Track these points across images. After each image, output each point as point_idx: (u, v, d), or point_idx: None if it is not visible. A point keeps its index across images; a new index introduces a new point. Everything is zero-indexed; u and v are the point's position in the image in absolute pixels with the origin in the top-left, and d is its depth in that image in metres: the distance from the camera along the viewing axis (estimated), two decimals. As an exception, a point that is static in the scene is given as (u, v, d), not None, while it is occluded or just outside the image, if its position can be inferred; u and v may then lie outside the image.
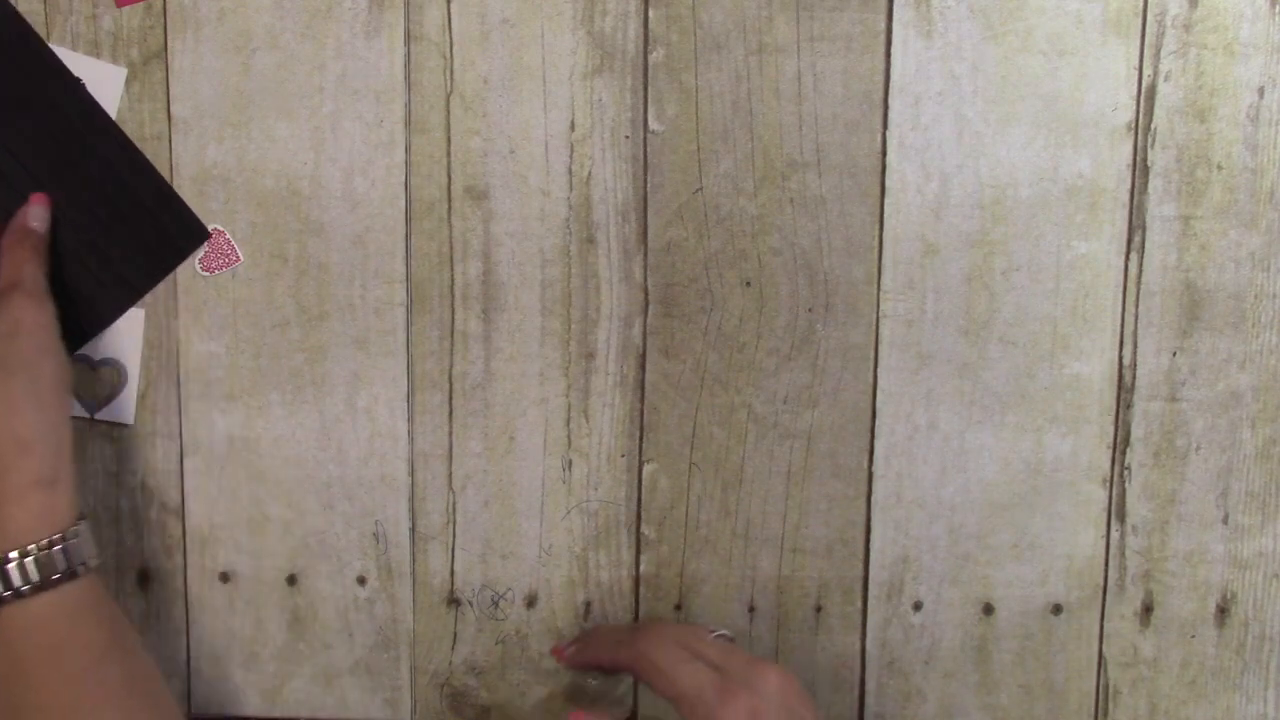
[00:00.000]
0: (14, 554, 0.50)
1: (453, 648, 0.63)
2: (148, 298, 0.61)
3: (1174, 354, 0.60)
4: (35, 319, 0.55)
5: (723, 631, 0.57)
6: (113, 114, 0.59)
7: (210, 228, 0.60)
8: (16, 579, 0.50)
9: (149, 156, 0.60)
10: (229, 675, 0.63)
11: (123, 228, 0.60)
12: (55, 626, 0.51)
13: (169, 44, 0.59)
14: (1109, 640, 0.61)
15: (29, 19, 0.59)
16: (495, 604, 0.62)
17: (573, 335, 0.60)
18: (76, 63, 0.59)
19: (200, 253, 0.61)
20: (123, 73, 0.59)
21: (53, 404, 0.54)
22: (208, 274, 0.61)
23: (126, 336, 0.61)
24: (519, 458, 0.61)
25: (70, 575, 0.51)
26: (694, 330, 0.60)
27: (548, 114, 0.59)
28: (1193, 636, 0.61)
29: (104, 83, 0.59)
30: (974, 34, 0.58)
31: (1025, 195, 0.59)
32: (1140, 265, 0.59)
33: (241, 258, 0.60)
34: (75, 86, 0.59)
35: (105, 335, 0.61)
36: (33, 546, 0.51)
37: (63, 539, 0.52)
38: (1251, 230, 0.59)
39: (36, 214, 0.59)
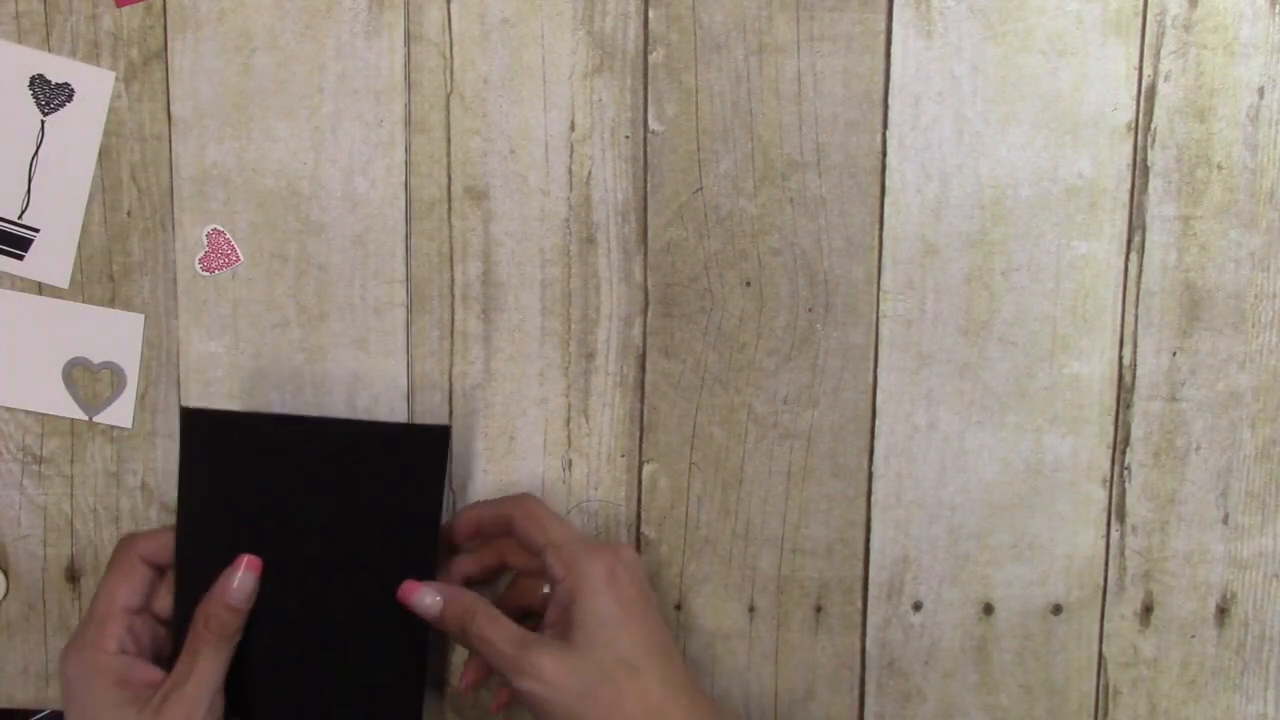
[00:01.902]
0: None
1: (452, 648, 0.62)
2: (147, 296, 0.61)
3: (1174, 354, 0.60)
4: None
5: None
6: (103, 117, 0.59)
7: (210, 228, 0.60)
8: None
9: (150, 156, 0.60)
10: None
11: (337, 669, 0.57)
12: None
13: (169, 44, 0.59)
14: (1109, 640, 0.61)
15: (29, 18, 0.59)
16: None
17: (573, 335, 0.60)
18: (65, 68, 0.59)
19: (200, 252, 0.61)
20: (111, 76, 0.59)
21: None
22: (208, 274, 0.61)
23: (126, 340, 0.61)
24: (519, 458, 0.61)
25: None
26: (694, 330, 0.60)
27: (548, 114, 0.59)
28: (1193, 636, 0.61)
29: (93, 87, 0.59)
30: (974, 34, 0.58)
31: (1025, 195, 0.59)
32: (1140, 265, 0.59)
33: (242, 258, 0.60)
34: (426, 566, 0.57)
35: (105, 337, 0.61)
36: None
37: None
38: (1251, 230, 0.59)
39: (243, 584, 0.55)
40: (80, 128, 0.59)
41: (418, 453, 0.57)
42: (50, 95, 0.59)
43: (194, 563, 0.56)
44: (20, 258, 0.60)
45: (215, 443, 0.56)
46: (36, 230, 0.60)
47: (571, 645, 0.53)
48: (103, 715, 0.54)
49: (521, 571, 0.59)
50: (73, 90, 0.59)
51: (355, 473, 0.57)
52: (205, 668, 0.54)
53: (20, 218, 0.60)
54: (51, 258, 0.60)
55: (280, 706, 0.58)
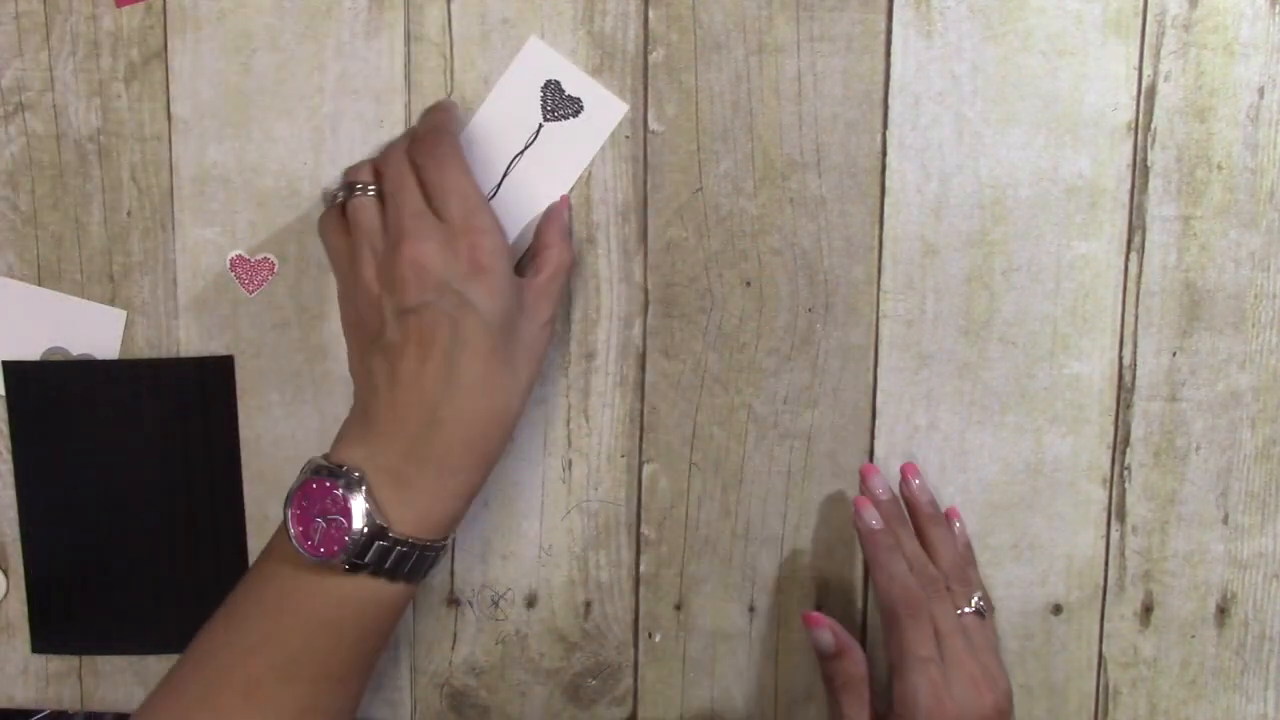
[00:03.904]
0: (408, 542, 0.51)
1: (453, 648, 0.63)
2: (147, 296, 0.61)
3: (1174, 354, 0.60)
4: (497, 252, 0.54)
5: (979, 604, 0.58)
6: (602, 142, 0.59)
7: (232, 255, 0.60)
8: (389, 563, 0.51)
9: (150, 156, 0.60)
10: (229, 675, 0.63)
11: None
12: (371, 611, 0.52)
13: (169, 44, 0.60)
14: (1109, 640, 0.61)
15: (29, 18, 0.59)
16: (495, 604, 0.62)
17: (573, 335, 0.60)
18: (581, 84, 0.59)
19: (230, 256, 0.61)
20: (625, 108, 0.58)
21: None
22: (251, 295, 0.61)
23: (107, 334, 0.61)
24: (519, 458, 0.61)
25: (413, 580, 0.52)
26: (694, 330, 0.60)
27: (548, 114, 0.59)
28: (1193, 636, 0.61)
29: (603, 111, 0.59)
30: (974, 34, 0.58)
31: (1025, 195, 0.59)
32: (1140, 265, 0.59)
33: (275, 262, 0.60)
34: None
35: (85, 330, 0.61)
36: (419, 543, 0.51)
37: (436, 550, 0.52)
38: (1251, 230, 0.59)
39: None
40: (574, 144, 0.59)
41: (210, 381, 0.61)
42: (559, 104, 0.58)
43: (36, 500, 0.61)
44: None
45: (35, 389, 0.60)
46: None
47: None
48: (510, 305, 0.53)
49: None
50: (582, 107, 0.59)
51: (162, 401, 0.61)
52: (562, 280, 0.57)
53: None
54: None
55: (119, 621, 0.62)
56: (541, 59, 0.58)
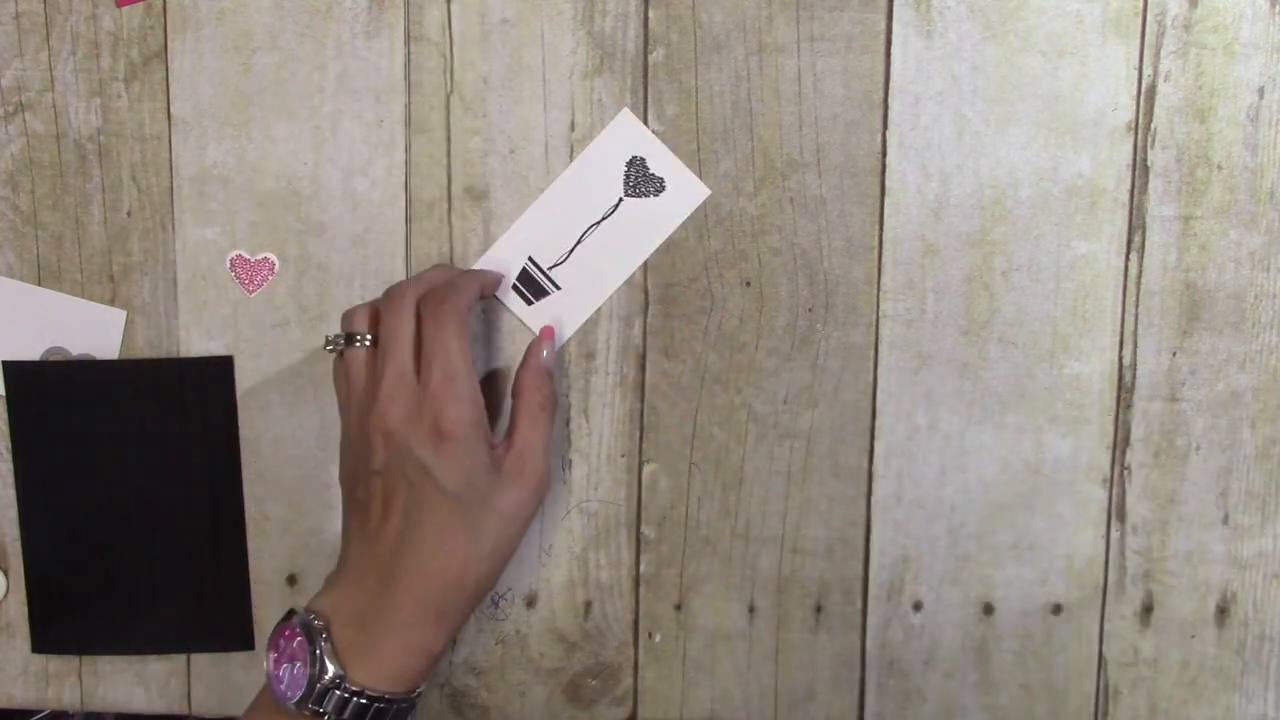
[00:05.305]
0: (365, 693, 0.52)
1: (453, 648, 0.63)
2: (147, 296, 0.61)
3: (1174, 354, 0.60)
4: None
5: None
6: (678, 224, 0.59)
7: (232, 255, 0.60)
8: (348, 713, 0.51)
9: (150, 156, 0.60)
10: (229, 675, 0.63)
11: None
12: None
13: (169, 44, 0.60)
14: (1109, 640, 0.61)
15: (29, 18, 0.59)
16: (495, 604, 0.62)
17: (573, 335, 0.60)
18: (667, 163, 0.59)
19: (230, 256, 0.61)
20: (706, 193, 0.58)
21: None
22: (252, 293, 0.61)
23: (107, 334, 0.61)
24: (519, 458, 0.61)
25: None
26: (694, 330, 0.60)
27: (548, 114, 0.59)
28: (1193, 636, 0.61)
29: (686, 193, 0.58)
30: (974, 34, 0.58)
31: (1025, 195, 0.59)
32: (1140, 265, 0.59)
33: (276, 262, 0.60)
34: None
35: (85, 330, 0.61)
36: (377, 695, 0.52)
37: (396, 706, 0.52)
38: (1251, 230, 0.59)
39: (551, 352, 0.59)
40: (651, 222, 0.59)
41: (210, 381, 0.61)
42: (641, 181, 0.58)
43: (36, 499, 0.61)
44: (530, 303, 0.60)
45: (35, 389, 0.60)
46: (558, 288, 0.60)
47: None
48: (474, 472, 0.54)
49: None
50: (664, 187, 0.59)
51: (162, 401, 0.61)
52: (544, 433, 0.57)
53: (550, 269, 0.59)
54: (557, 316, 0.60)
55: (119, 621, 0.62)
56: (630, 133, 0.58)
